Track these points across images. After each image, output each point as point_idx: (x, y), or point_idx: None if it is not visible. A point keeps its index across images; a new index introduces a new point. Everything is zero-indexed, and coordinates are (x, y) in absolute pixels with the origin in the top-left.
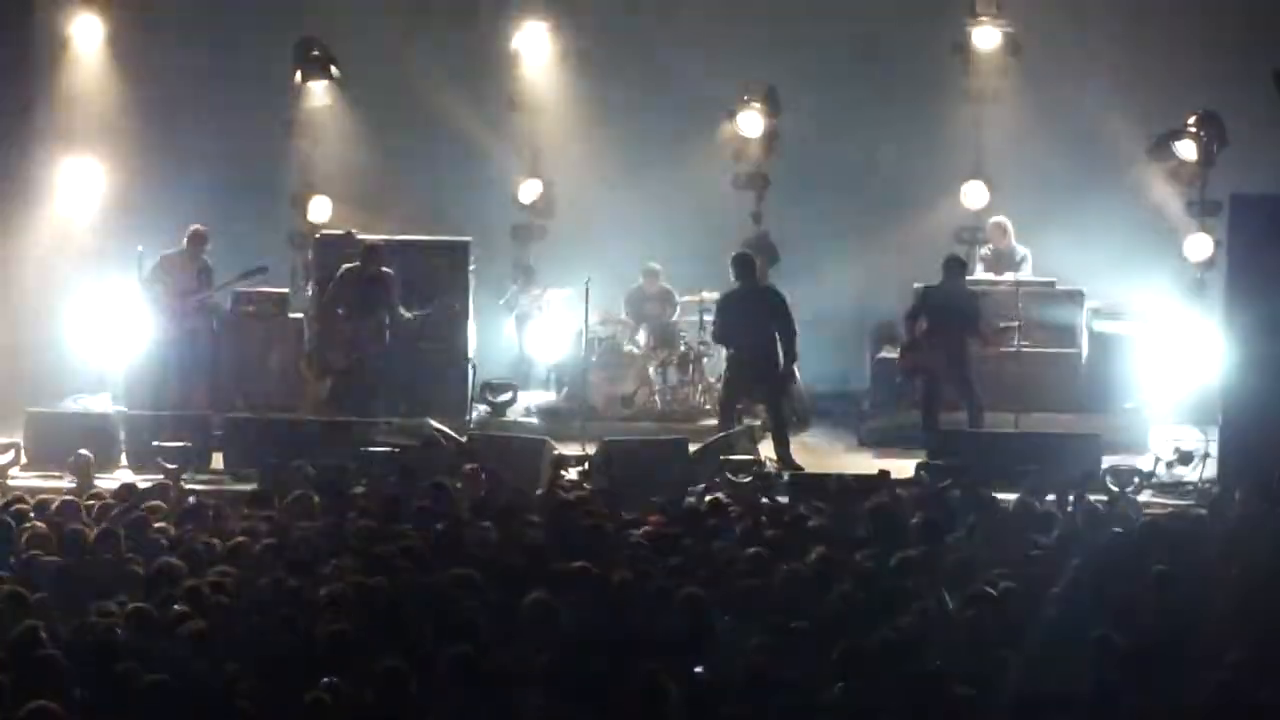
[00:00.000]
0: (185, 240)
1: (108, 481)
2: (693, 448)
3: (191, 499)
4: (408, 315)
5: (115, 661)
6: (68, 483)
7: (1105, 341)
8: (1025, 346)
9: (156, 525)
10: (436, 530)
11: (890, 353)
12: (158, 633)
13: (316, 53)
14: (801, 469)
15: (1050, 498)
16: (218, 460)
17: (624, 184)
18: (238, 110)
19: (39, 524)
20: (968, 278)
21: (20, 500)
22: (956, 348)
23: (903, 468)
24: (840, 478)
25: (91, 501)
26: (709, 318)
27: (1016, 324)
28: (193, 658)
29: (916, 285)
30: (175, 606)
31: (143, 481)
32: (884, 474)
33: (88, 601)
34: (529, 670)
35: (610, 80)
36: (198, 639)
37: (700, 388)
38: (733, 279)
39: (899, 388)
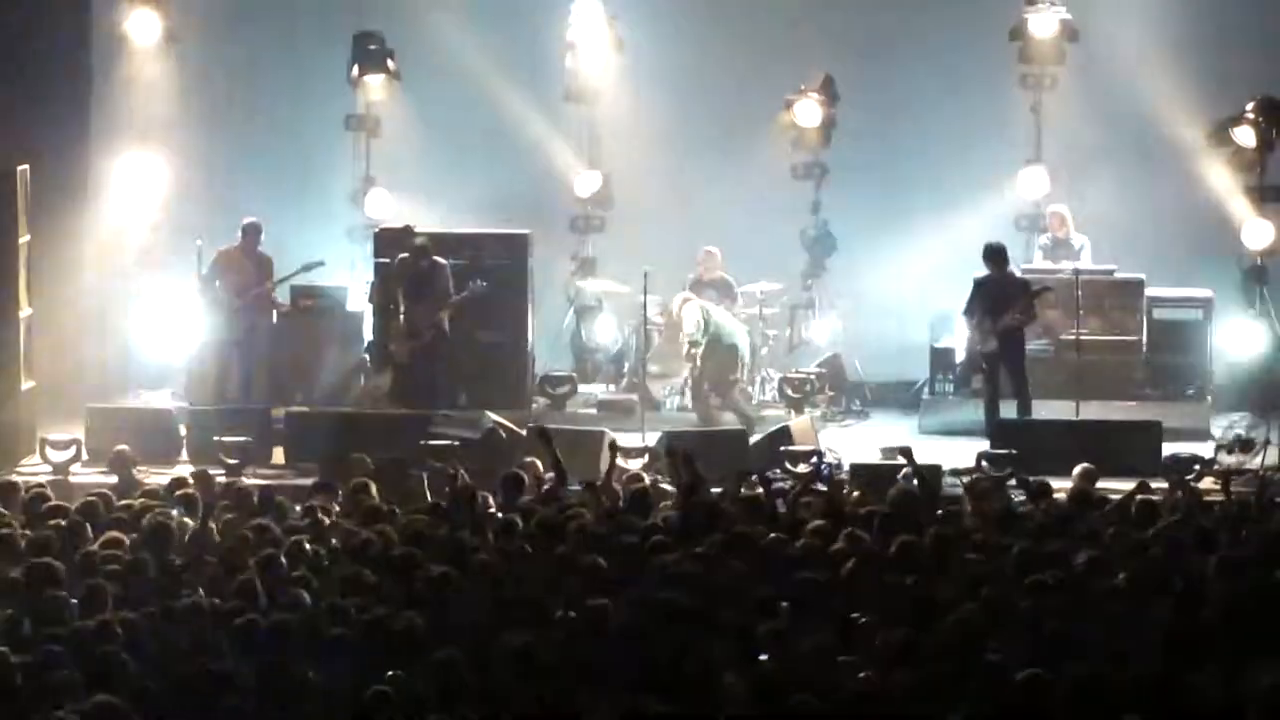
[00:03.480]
0: (240, 233)
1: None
2: (753, 439)
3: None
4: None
5: (181, 656)
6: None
7: (1165, 329)
8: (1085, 334)
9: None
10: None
11: (949, 341)
12: (220, 627)
13: (374, 46)
14: None
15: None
16: (278, 454)
17: (682, 174)
18: (296, 104)
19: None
20: (1030, 265)
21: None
22: (1011, 336)
23: (962, 457)
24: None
25: (141, 499)
26: (769, 310)
27: (1049, 288)
28: (260, 652)
29: (977, 276)
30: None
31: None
32: (905, 451)
33: (155, 597)
34: (586, 661)
35: (667, 70)
36: (266, 633)
37: (760, 378)
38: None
39: (958, 377)
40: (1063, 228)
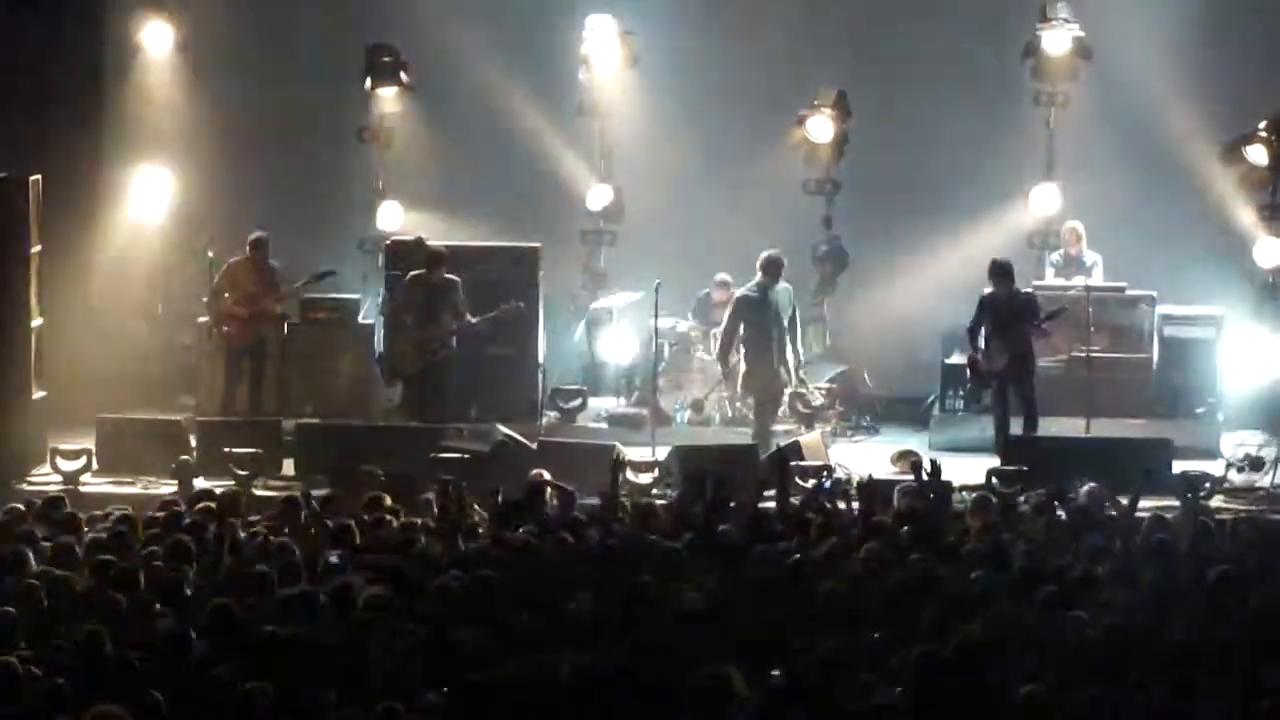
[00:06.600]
0: (248, 246)
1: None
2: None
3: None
4: (473, 320)
5: (188, 665)
6: (139, 489)
7: (1176, 346)
8: (1096, 351)
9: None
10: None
11: (960, 358)
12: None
13: (388, 58)
14: None
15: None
16: (288, 466)
17: (694, 189)
18: (308, 116)
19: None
20: (1041, 282)
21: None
22: (1020, 353)
23: (973, 474)
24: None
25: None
26: None
27: (1064, 307)
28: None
29: (983, 294)
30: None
31: (214, 488)
32: (911, 453)
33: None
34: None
35: (680, 85)
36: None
37: None
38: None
39: (968, 394)
40: (1077, 244)
